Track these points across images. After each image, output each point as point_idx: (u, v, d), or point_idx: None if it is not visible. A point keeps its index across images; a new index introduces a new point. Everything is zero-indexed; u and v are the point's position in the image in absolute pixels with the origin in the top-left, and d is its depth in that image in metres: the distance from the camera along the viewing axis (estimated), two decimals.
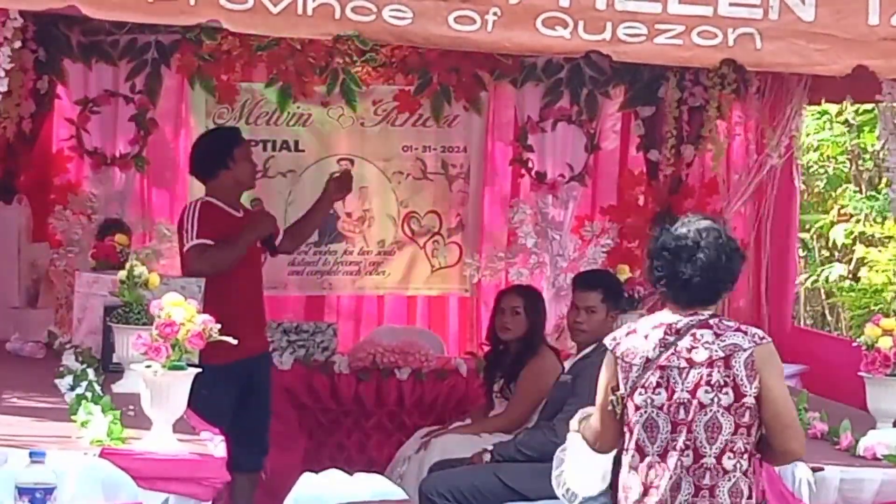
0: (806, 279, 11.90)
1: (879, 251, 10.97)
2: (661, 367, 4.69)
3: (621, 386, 4.75)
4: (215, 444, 5.06)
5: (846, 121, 11.91)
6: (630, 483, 4.74)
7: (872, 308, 10.58)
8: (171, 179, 8.51)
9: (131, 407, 5.30)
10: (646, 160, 8.82)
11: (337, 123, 8.65)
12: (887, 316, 6.13)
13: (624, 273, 7.73)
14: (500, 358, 7.36)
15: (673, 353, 4.69)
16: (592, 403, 5.43)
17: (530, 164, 8.75)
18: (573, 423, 5.13)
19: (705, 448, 4.67)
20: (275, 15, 5.60)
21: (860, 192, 11.92)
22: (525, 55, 8.20)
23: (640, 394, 4.70)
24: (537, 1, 5.74)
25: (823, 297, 12.16)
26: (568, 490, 5.12)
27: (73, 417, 5.23)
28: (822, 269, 11.81)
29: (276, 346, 7.96)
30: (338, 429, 8.13)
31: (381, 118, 8.71)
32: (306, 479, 4.58)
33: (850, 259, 11.77)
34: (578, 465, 5.06)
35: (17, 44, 5.56)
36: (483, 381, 7.56)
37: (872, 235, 11.36)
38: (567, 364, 7.04)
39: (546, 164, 8.76)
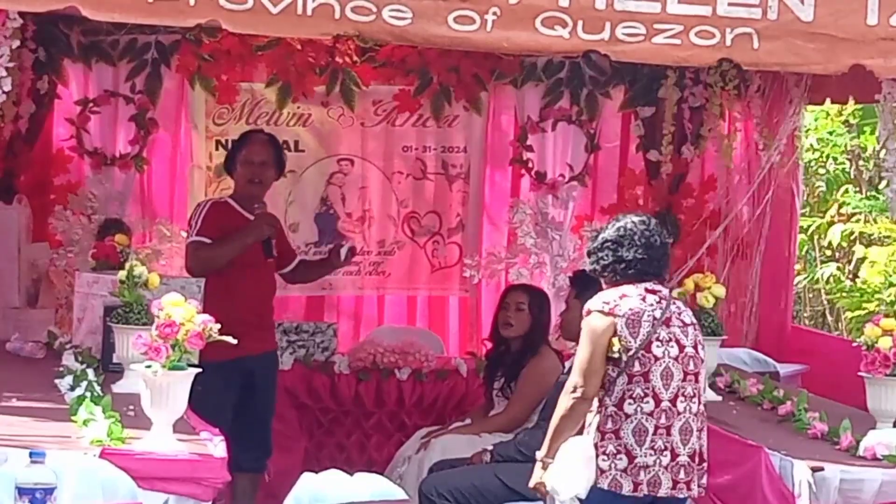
0: (803, 280, 11.89)
1: (879, 252, 10.96)
2: (667, 325, 5.35)
3: (629, 340, 5.27)
4: (215, 445, 5.06)
5: (846, 121, 11.91)
6: (647, 427, 5.26)
7: (872, 308, 10.56)
8: (171, 179, 8.51)
9: (131, 407, 5.31)
10: (646, 160, 8.83)
11: (337, 123, 8.65)
12: (887, 316, 6.13)
13: None
14: (502, 357, 7.36)
15: (672, 315, 5.37)
16: None
17: (530, 164, 8.76)
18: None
19: (703, 396, 5.42)
20: (275, 15, 5.60)
21: (860, 192, 11.92)
22: (524, 55, 8.21)
23: (658, 346, 5.30)
24: (536, 1, 5.75)
25: (823, 297, 12.15)
26: (552, 488, 5.38)
27: (73, 417, 5.23)
28: (817, 269, 11.81)
29: (277, 346, 7.96)
30: (338, 429, 8.12)
31: (381, 118, 8.70)
32: (306, 479, 4.58)
33: (850, 259, 11.76)
34: (566, 466, 5.35)
35: (16, 43, 5.56)
36: (483, 380, 7.56)
37: (871, 235, 11.36)
38: (567, 364, 7.04)
39: (546, 164, 8.76)
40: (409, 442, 7.50)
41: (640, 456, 5.26)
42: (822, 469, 5.43)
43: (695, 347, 5.39)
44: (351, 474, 4.64)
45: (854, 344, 6.03)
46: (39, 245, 8.08)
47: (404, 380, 8.05)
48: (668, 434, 5.29)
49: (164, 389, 4.90)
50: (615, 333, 5.30)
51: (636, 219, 5.54)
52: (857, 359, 5.99)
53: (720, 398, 6.81)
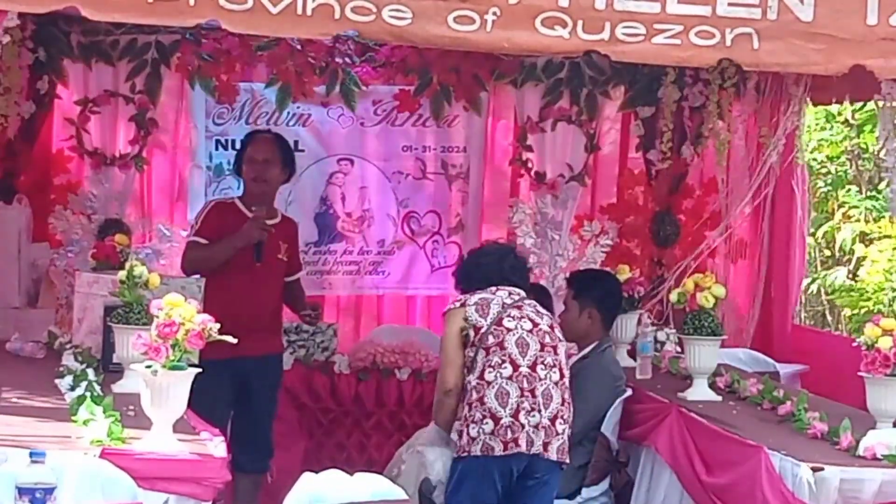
0: (809, 284, 11.89)
1: (880, 251, 10.96)
2: (519, 309, 6.04)
3: (479, 320, 5.97)
4: (215, 445, 5.05)
5: (846, 121, 11.91)
6: (508, 389, 5.89)
7: (872, 308, 10.57)
8: (171, 179, 8.51)
9: (131, 407, 5.30)
10: (645, 160, 8.84)
11: (337, 123, 8.65)
12: (887, 316, 6.13)
13: (624, 273, 7.74)
14: None
15: (525, 305, 6.07)
16: (593, 401, 5.96)
17: (530, 164, 8.76)
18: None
19: (565, 370, 6.06)
20: (275, 15, 5.60)
21: (860, 192, 11.93)
22: (524, 55, 8.21)
23: (510, 321, 5.99)
24: (536, 1, 5.75)
25: (824, 297, 12.16)
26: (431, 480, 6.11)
27: (73, 417, 5.23)
28: (824, 273, 11.81)
29: (281, 350, 7.95)
30: (338, 429, 8.13)
31: (381, 118, 8.71)
32: (306, 479, 4.58)
33: (850, 259, 11.77)
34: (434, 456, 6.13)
35: (6, 39, 5.55)
36: None
37: (870, 234, 11.36)
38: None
39: (546, 164, 8.77)
40: (409, 441, 7.50)
41: (505, 417, 5.87)
42: (822, 469, 5.42)
43: (550, 328, 6.06)
44: (351, 474, 4.64)
45: (854, 344, 6.03)
46: (39, 245, 8.07)
47: (404, 380, 8.05)
48: (534, 396, 5.93)
49: (164, 389, 4.90)
50: (465, 319, 6.00)
51: (497, 244, 6.72)
52: (857, 358, 5.98)
53: (720, 398, 6.81)
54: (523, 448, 5.92)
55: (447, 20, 5.71)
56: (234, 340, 5.02)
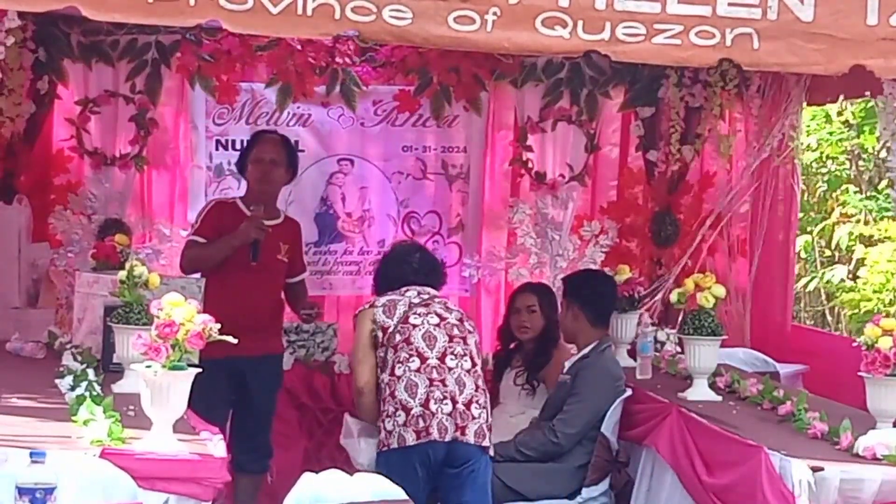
0: (809, 282, 11.89)
1: (880, 252, 10.97)
2: (427, 306, 6.31)
3: (386, 320, 6.23)
4: (214, 444, 5.05)
5: (846, 121, 11.91)
6: (417, 381, 6.14)
7: (872, 308, 10.57)
8: (171, 179, 8.51)
9: (131, 407, 5.30)
10: (645, 160, 8.84)
11: (337, 123, 8.65)
12: (887, 316, 6.13)
13: (623, 273, 7.74)
14: (510, 355, 7.37)
15: (434, 302, 6.33)
16: (592, 402, 5.98)
17: (530, 164, 8.76)
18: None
19: (476, 359, 6.30)
20: (275, 15, 5.60)
21: (860, 192, 11.93)
22: (525, 55, 8.21)
23: (416, 318, 6.25)
24: (537, 1, 5.74)
25: (824, 297, 12.16)
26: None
27: (73, 417, 5.23)
28: (823, 271, 11.81)
29: (280, 351, 7.95)
30: (338, 429, 8.08)
31: (381, 118, 8.71)
32: (306, 479, 4.57)
33: (849, 259, 11.77)
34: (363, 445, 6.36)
35: (10, 41, 5.55)
36: (491, 378, 7.54)
37: (871, 236, 11.36)
38: (566, 364, 7.05)
39: (546, 165, 8.77)
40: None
41: (416, 407, 6.12)
42: (822, 469, 5.42)
43: (460, 322, 6.33)
44: (351, 474, 4.64)
45: (854, 344, 6.02)
46: (39, 245, 8.07)
47: None
48: (445, 385, 6.17)
49: (164, 389, 4.90)
50: (373, 320, 6.28)
51: (404, 244, 7.05)
52: (857, 358, 5.98)
53: (720, 398, 6.81)
54: (435, 436, 6.13)
55: (447, 20, 5.71)
56: (235, 341, 5.02)
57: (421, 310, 6.31)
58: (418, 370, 6.20)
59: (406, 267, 6.56)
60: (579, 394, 6.61)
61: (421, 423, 6.14)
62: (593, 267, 8.41)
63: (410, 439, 6.15)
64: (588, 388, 6.76)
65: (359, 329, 6.35)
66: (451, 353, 6.26)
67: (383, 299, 6.37)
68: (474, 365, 6.30)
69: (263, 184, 7.25)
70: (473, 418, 6.22)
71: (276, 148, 7.34)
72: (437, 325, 6.29)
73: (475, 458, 6.25)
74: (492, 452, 6.38)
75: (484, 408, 6.29)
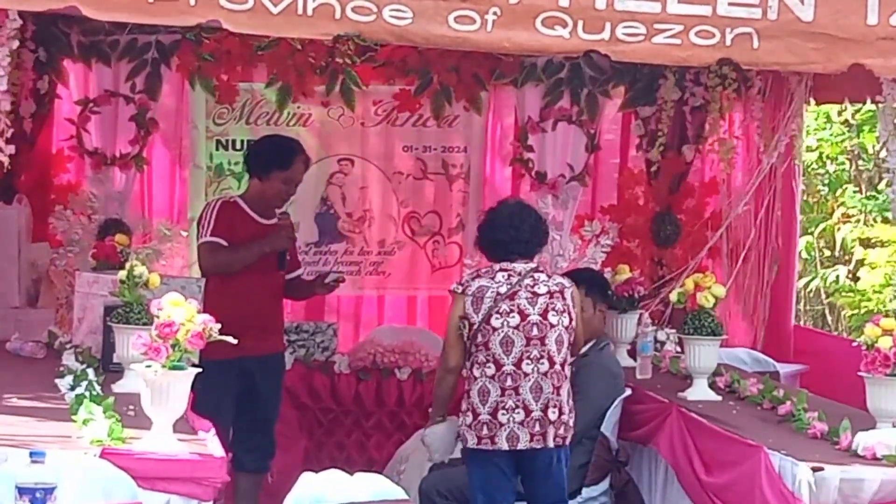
0: (809, 282, 11.89)
1: (878, 254, 10.97)
2: (512, 298, 6.15)
3: (473, 316, 6.15)
4: (209, 441, 5.05)
5: (846, 121, 11.91)
6: (489, 388, 6.12)
7: (872, 308, 10.57)
8: (171, 179, 8.52)
9: (131, 407, 5.30)
10: (646, 160, 8.84)
11: (337, 123, 8.65)
12: (887, 316, 6.13)
13: (624, 273, 7.74)
14: None
15: (521, 289, 6.15)
16: (593, 400, 6.09)
17: (530, 164, 8.75)
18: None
19: (555, 357, 6.16)
20: (275, 15, 5.61)
21: (860, 192, 11.93)
22: (525, 55, 8.21)
23: (497, 318, 6.14)
24: (537, 1, 5.75)
25: (823, 297, 12.16)
26: (429, 446, 6.42)
27: (73, 417, 5.23)
28: (824, 272, 11.81)
29: (283, 349, 7.94)
30: (338, 429, 8.12)
31: (381, 118, 8.71)
32: (306, 479, 4.57)
33: (849, 259, 11.77)
34: (441, 430, 6.38)
35: (15, 44, 5.56)
36: None
37: (869, 238, 11.36)
38: None
39: (546, 164, 8.76)
40: (409, 442, 7.50)
41: (483, 414, 6.13)
42: (822, 469, 5.42)
43: (542, 315, 6.18)
44: (351, 474, 4.64)
45: (854, 344, 6.02)
46: (39, 245, 8.07)
47: (404, 380, 8.05)
48: (518, 394, 6.13)
49: (164, 389, 4.90)
50: (463, 311, 6.19)
51: (510, 202, 6.66)
52: (857, 358, 5.98)
53: (720, 398, 6.81)
54: (502, 445, 6.14)
55: (447, 20, 5.71)
56: (235, 341, 5.02)
57: (504, 305, 6.16)
58: (493, 377, 6.16)
59: (513, 233, 6.29)
60: (580, 392, 6.61)
61: (485, 431, 6.15)
62: (595, 267, 8.39)
63: (470, 442, 6.19)
64: (589, 386, 6.75)
65: (451, 313, 6.28)
66: (528, 358, 6.17)
67: (474, 285, 6.22)
68: (552, 365, 6.20)
69: (284, 201, 7.23)
70: (551, 422, 6.18)
71: (305, 168, 7.33)
72: (517, 326, 6.17)
73: (551, 458, 6.27)
74: (569, 441, 6.39)
75: (561, 406, 6.23)
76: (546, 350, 6.19)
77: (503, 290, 6.19)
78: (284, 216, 7.17)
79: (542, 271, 6.33)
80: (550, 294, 6.23)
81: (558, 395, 6.22)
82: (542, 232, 6.43)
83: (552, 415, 6.19)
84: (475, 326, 6.17)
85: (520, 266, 6.25)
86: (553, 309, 6.21)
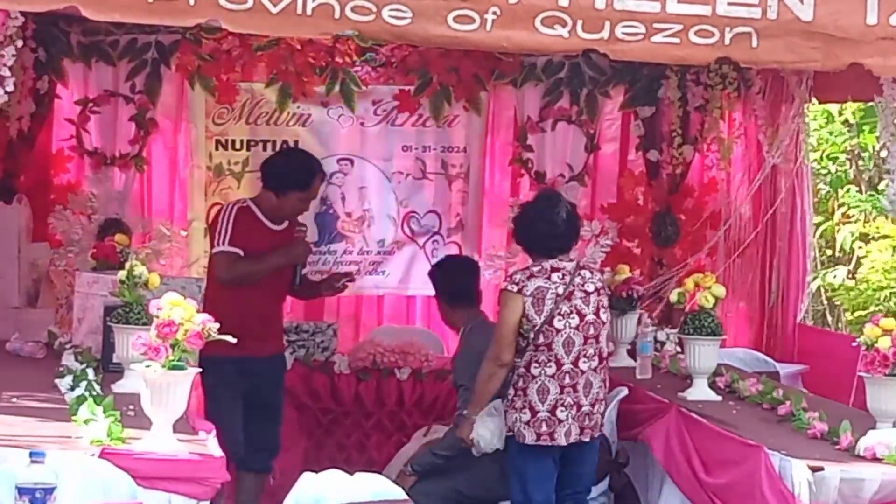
0: (810, 281, 11.87)
1: (879, 251, 10.96)
2: (569, 299, 6.31)
3: (535, 318, 6.27)
4: (207, 441, 5.06)
5: (846, 121, 11.91)
6: (549, 386, 6.27)
7: (872, 308, 10.56)
8: (171, 179, 8.51)
9: (131, 407, 5.30)
10: (646, 160, 8.84)
11: (337, 123, 8.66)
12: (887, 316, 6.12)
13: (623, 273, 7.73)
14: None
15: (575, 288, 6.32)
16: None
17: (530, 164, 8.76)
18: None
19: (604, 352, 6.43)
20: (275, 15, 5.60)
21: (860, 192, 11.92)
22: (524, 55, 8.21)
23: (559, 320, 6.29)
24: (536, 0, 5.75)
25: (824, 297, 12.15)
26: (478, 439, 6.40)
27: (73, 417, 5.23)
28: (825, 272, 11.80)
29: (284, 349, 7.94)
30: (338, 429, 8.12)
31: (381, 118, 8.71)
32: (306, 479, 4.58)
33: (850, 259, 11.76)
34: (489, 423, 6.41)
35: (20, 43, 5.56)
36: None
37: (868, 234, 11.35)
38: None
39: (546, 164, 8.77)
40: (410, 443, 7.50)
41: (542, 412, 6.27)
42: (821, 469, 5.42)
43: (596, 313, 6.39)
44: (351, 474, 4.64)
45: (854, 344, 6.02)
46: (39, 245, 8.07)
47: (404, 380, 8.05)
48: (574, 391, 6.31)
49: (164, 389, 4.90)
50: (524, 312, 6.28)
51: (544, 196, 6.76)
52: (857, 358, 5.97)
53: (720, 398, 6.80)
54: (560, 441, 6.31)
55: (447, 20, 5.71)
56: (234, 340, 5.02)
57: (564, 307, 6.32)
58: (552, 376, 6.31)
59: (552, 227, 6.42)
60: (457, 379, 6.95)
61: (544, 428, 6.30)
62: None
63: (528, 439, 6.30)
64: (458, 372, 6.97)
65: (507, 312, 6.35)
66: (584, 356, 6.36)
67: (531, 285, 6.32)
68: (601, 361, 6.42)
69: (298, 215, 7.24)
70: (593, 416, 6.39)
71: (321, 182, 7.37)
72: (577, 327, 6.34)
73: (591, 449, 6.49)
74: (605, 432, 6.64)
75: (604, 400, 6.49)
76: (598, 347, 6.41)
77: (560, 290, 6.33)
78: (302, 229, 7.20)
79: (584, 267, 6.51)
80: (598, 291, 6.44)
81: (602, 389, 6.44)
82: (576, 224, 6.56)
83: (598, 408, 6.41)
84: (537, 328, 6.29)
85: (567, 264, 6.40)
86: (602, 306, 6.44)
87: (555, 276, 6.34)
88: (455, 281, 7.25)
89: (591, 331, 6.38)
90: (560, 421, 6.30)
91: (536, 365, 6.31)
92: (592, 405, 6.37)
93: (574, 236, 6.54)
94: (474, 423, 6.41)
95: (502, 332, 6.35)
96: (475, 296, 7.24)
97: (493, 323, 6.75)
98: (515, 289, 6.34)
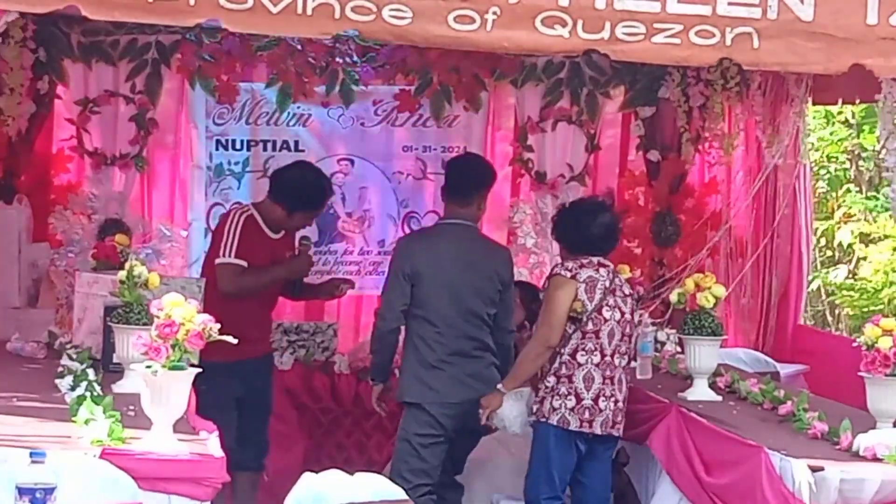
0: (810, 282, 11.88)
1: (880, 252, 10.97)
2: (613, 294, 6.54)
3: (587, 304, 6.46)
4: (210, 442, 5.05)
5: (846, 121, 11.91)
6: (594, 375, 6.47)
7: (872, 308, 10.57)
8: (171, 179, 8.52)
9: (131, 407, 5.30)
10: (646, 160, 8.84)
11: (337, 123, 8.66)
12: (887, 316, 6.12)
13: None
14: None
15: (616, 287, 6.56)
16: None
17: (530, 165, 8.76)
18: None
19: (632, 353, 6.69)
20: (275, 15, 5.60)
21: (860, 192, 11.93)
22: (524, 55, 8.21)
23: (607, 310, 6.51)
24: (536, 0, 5.75)
25: (824, 297, 12.16)
26: (503, 419, 6.58)
27: (73, 417, 5.23)
28: (826, 271, 11.80)
29: (276, 346, 7.96)
30: (338, 429, 8.12)
31: (381, 118, 8.71)
32: (306, 479, 4.58)
33: (850, 259, 11.77)
34: (516, 405, 6.58)
35: (14, 39, 5.55)
36: None
37: (869, 234, 11.36)
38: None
39: (546, 164, 8.77)
40: None
41: (586, 399, 6.46)
42: (822, 469, 5.42)
43: (631, 314, 6.63)
44: (351, 474, 4.64)
45: (854, 344, 6.02)
46: (39, 245, 8.07)
47: None
48: (613, 383, 6.52)
49: (164, 389, 4.89)
50: (576, 296, 6.46)
51: (591, 200, 7.12)
52: (857, 358, 5.97)
53: (720, 398, 6.80)
54: (598, 430, 6.49)
55: (447, 20, 5.71)
56: (235, 341, 5.02)
57: (611, 299, 6.55)
58: (598, 364, 6.50)
59: (593, 230, 6.65)
60: None
61: (587, 415, 6.47)
62: None
63: (574, 424, 6.46)
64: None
65: (558, 297, 6.50)
66: (619, 352, 6.57)
67: (584, 273, 6.53)
68: (629, 362, 6.65)
69: (293, 231, 7.27)
70: (623, 413, 6.59)
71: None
72: (619, 321, 6.55)
73: (613, 446, 6.70)
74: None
75: (626, 401, 6.64)
76: (629, 348, 6.64)
77: (607, 284, 6.55)
78: (306, 242, 7.23)
79: (618, 273, 6.69)
80: (630, 296, 6.67)
81: (627, 390, 6.62)
82: (616, 232, 6.82)
83: (623, 406, 6.58)
84: (588, 313, 6.48)
85: (610, 264, 6.65)
86: (634, 310, 6.70)
87: (602, 271, 6.56)
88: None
89: (628, 329, 6.60)
90: (601, 410, 6.48)
91: (583, 353, 6.48)
92: (624, 402, 6.57)
93: (614, 243, 6.80)
94: (503, 398, 6.56)
95: (555, 314, 6.47)
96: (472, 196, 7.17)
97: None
98: (569, 274, 6.51)
